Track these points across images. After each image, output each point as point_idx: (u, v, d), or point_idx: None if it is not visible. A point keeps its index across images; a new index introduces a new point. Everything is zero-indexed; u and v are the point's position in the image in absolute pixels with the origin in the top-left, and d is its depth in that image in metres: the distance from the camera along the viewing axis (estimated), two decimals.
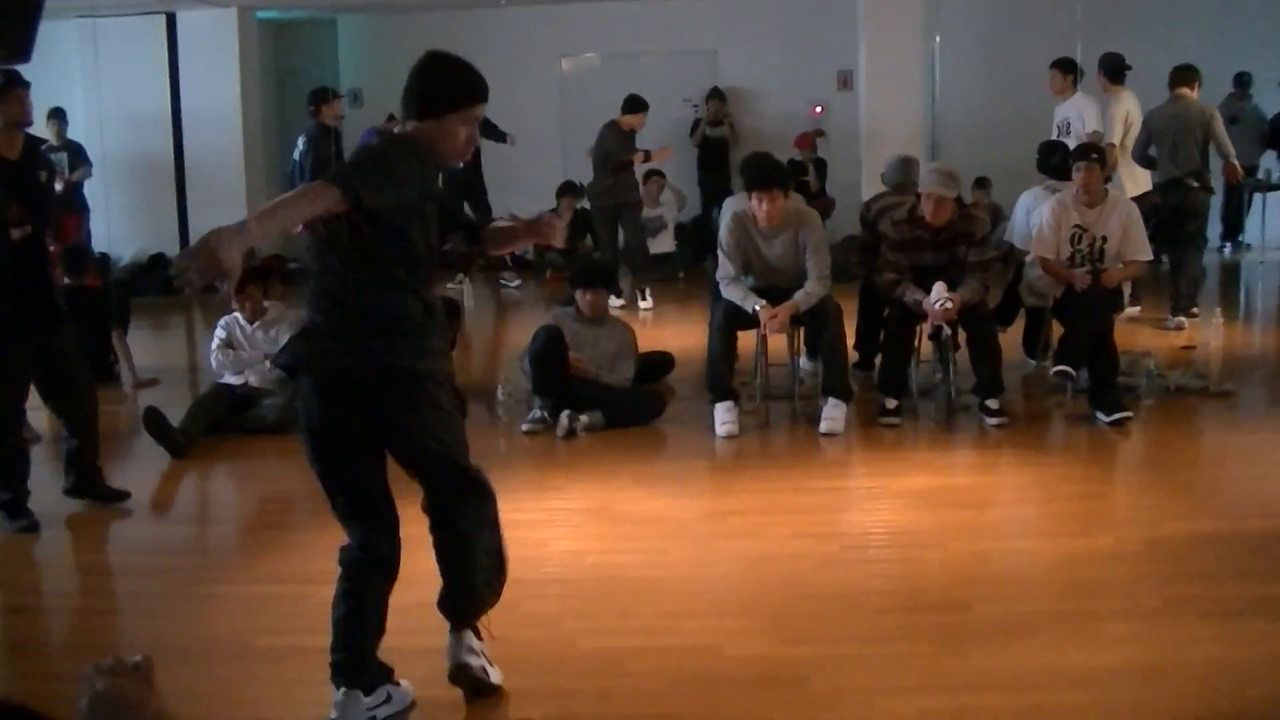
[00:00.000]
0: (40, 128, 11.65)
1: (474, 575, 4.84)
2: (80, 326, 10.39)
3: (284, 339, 9.35)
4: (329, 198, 4.07)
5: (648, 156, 15.05)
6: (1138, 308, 12.73)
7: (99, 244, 16.41)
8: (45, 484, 7.71)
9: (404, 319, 4.44)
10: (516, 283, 16.73)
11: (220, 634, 5.64)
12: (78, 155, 16.06)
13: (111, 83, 16.99)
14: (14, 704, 1.97)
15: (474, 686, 4.88)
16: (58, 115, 15.91)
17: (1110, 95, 12.64)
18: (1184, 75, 12.32)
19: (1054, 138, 12.25)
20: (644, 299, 14.79)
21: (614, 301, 14.07)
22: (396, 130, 4.60)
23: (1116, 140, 12.38)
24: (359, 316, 4.41)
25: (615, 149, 14.61)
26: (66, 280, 10.65)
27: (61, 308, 7.49)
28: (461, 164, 4.72)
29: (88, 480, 7.62)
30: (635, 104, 14.76)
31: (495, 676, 4.93)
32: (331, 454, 4.57)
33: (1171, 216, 12.22)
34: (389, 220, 4.31)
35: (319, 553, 6.68)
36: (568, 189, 17.08)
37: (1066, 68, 13.03)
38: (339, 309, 4.43)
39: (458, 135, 4.50)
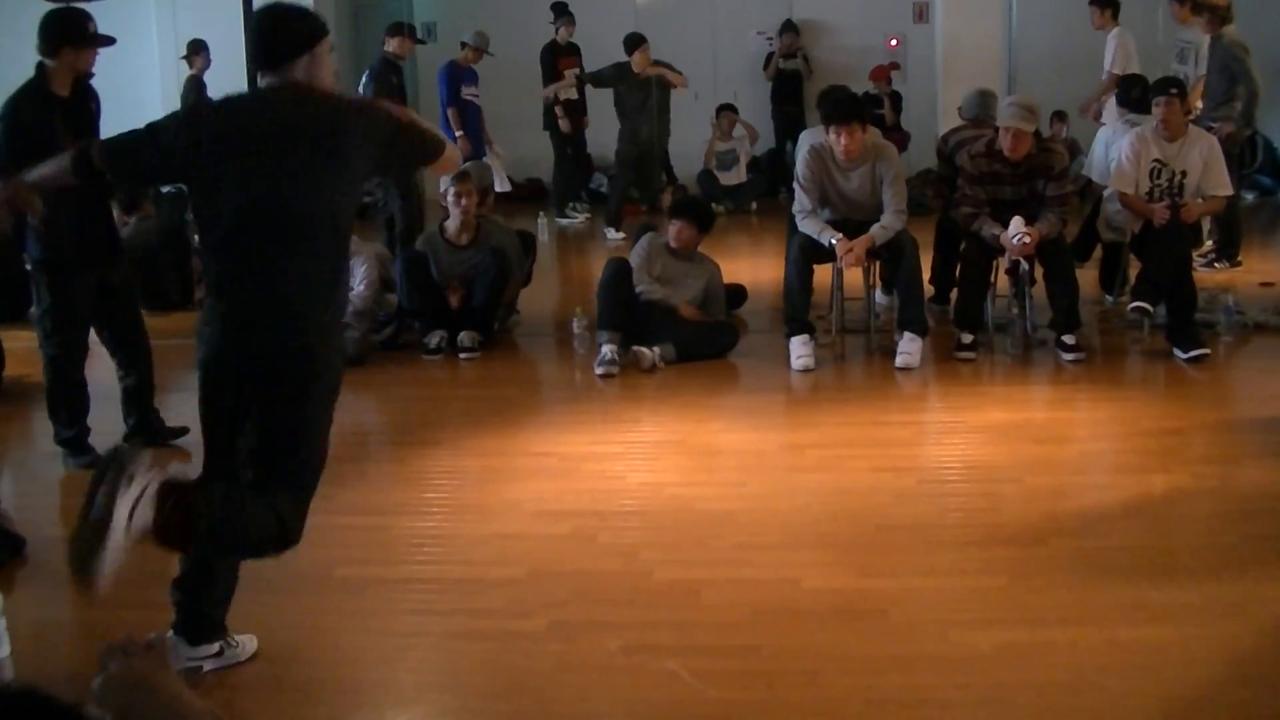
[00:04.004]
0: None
1: None
2: (165, 257, 10.57)
3: (359, 272, 9.46)
4: None
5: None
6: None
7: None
8: (104, 423, 7.60)
9: None
10: (582, 217, 16.67)
11: (299, 565, 5.66)
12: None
13: (185, 12, 16.99)
14: (20, 689, 1.86)
15: None
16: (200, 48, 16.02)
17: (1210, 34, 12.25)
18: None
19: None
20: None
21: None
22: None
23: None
24: None
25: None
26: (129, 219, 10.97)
27: (121, 243, 7.58)
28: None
29: (147, 420, 7.61)
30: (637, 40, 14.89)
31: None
32: None
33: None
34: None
35: (397, 484, 6.80)
36: None
37: (1104, 3, 12.86)
38: None
39: (328, 63, 4.57)
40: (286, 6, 4.63)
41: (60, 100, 6.96)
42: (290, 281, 4.30)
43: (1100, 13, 12.78)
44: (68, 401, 7.28)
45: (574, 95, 16.50)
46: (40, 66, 6.95)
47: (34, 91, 6.93)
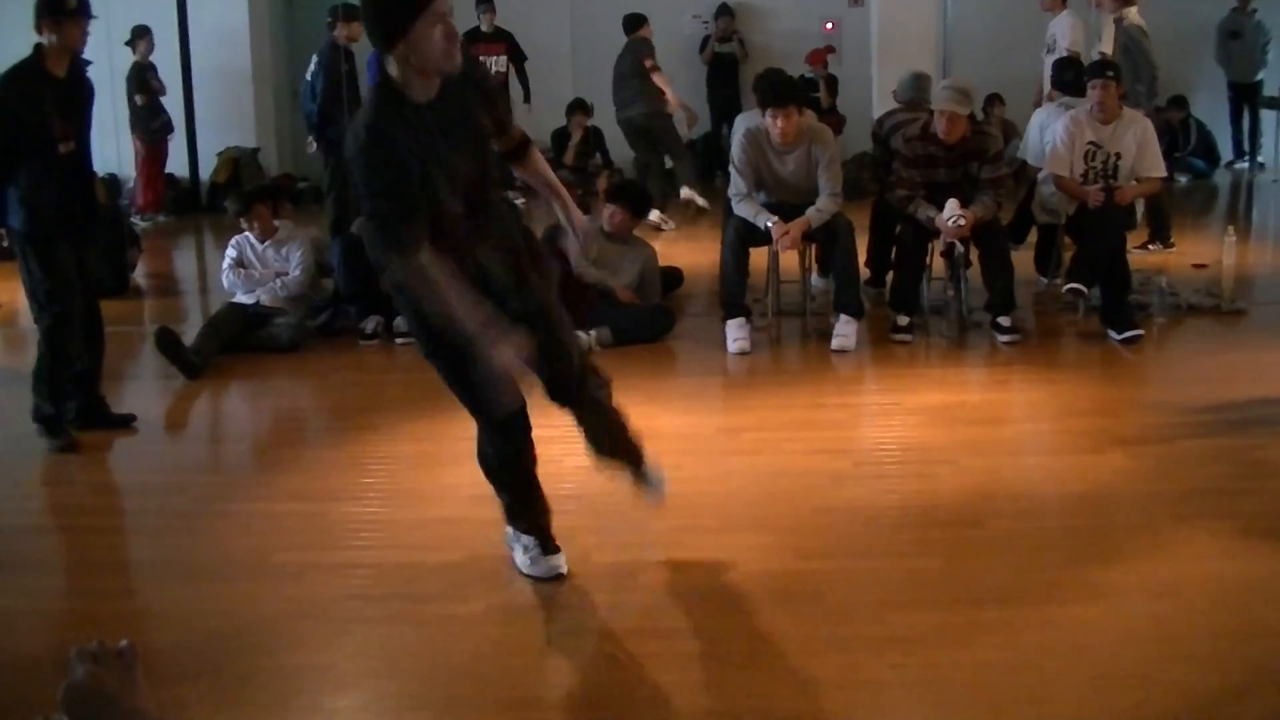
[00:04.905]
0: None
1: None
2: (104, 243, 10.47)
3: (295, 257, 9.42)
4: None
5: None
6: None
7: (109, 164, 16.30)
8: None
9: None
10: (520, 201, 16.65)
11: (237, 551, 5.67)
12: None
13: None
14: None
15: None
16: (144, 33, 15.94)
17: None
18: None
19: (1044, 54, 12.33)
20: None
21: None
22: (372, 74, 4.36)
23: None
24: None
25: (646, 55, 14.68)
26: None
27: (100, 224, 7.58)
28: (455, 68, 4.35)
29: (93, 407, 7.58)
30: (641, 18, 14.81)
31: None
32: None
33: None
34: None
35: (334, 470, 6.76)
36: (578, 106, 17.05)
37: None
38: None
39: (434, 39, 4.23)
40: None
41: (53, 80, 6.96)
42: None
43: None
44: (54, 377, 7.22)
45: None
46: (36, 46, 6.96)
47: (26, 70, 6.93)
